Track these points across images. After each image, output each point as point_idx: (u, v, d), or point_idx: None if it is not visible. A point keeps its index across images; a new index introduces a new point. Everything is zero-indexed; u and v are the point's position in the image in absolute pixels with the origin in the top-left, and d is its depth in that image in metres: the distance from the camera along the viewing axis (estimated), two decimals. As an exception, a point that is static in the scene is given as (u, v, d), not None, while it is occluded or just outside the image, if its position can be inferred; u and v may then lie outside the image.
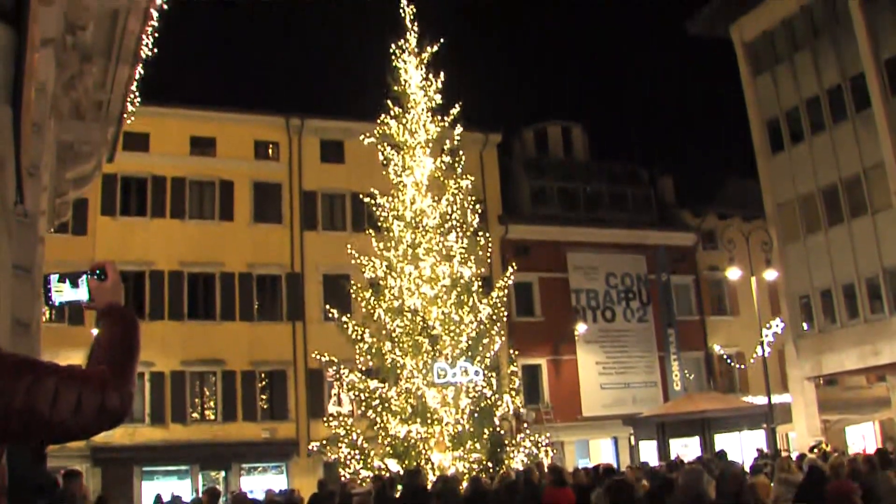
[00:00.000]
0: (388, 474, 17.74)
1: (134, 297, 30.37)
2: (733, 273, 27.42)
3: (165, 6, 9.14)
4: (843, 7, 30.41)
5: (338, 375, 20.32)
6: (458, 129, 21.76)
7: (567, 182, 41.35)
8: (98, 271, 2.70)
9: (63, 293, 2.73)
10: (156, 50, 9.97)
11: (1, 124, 4.36)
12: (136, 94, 10.74)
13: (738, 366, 40.59)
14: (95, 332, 2.63)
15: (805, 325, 32.17)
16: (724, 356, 40.68)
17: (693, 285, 41.05)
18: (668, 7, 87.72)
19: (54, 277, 2.76)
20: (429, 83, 22.01)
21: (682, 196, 43.91)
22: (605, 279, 39.26)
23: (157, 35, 9.66)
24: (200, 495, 20.89)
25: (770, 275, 27.73)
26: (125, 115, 11.07)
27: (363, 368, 20.43)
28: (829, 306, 31.18)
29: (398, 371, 19.81)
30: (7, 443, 2.21)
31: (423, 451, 19.19)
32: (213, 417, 31.68)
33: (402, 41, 22.34)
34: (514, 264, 23.35)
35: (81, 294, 2.70)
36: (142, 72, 10.26)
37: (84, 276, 2.71)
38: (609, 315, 39.06)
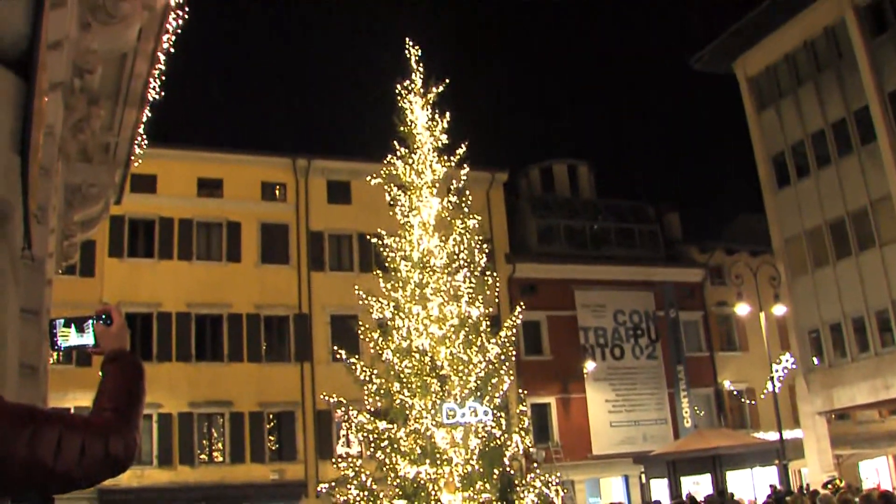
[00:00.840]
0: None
1: (141, 338, 30.34)
2: (742, 308, 27.28)
3: (172, 49, 9.17)
4: (845, 41, 30.57)
5: (346, 416, 20.14)
6: (465, 169, 21.79)
7: (573, 220, 41.35)
8: (103, 316, 2.69)
9: (69, 338, 2.71)
10: (163, 93, 9.99)
11: (9, 172, 4.34)
12: (144, 136, 10.76)
13: (748, 401, 40.26)
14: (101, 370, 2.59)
15: (815, 360, 31.94)
16: (735, 392, 40.37)
17: (701, 321, 40.86)
18: (672, 44, 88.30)
19: (60, 322, 2.74)
20: (435, 123, 22.05)
21: (689, 232, 43.91)
22: (613, 316, 39.10)
23: (164, 78, 9.69)
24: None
25: (779, 310, 27.57)
26: (133, 158, 11.08)
27: (371, 409, 20.25)
28: (840, 340, 30.98)
29: (407, 412, 19.63)
30: (11, 494, 2.15)
31: (433, 492, 18.96)
32: (221, 459, 31.45)
33: (408, 82, 22.41)
34: (521, 303, 23.26)
35: (87, 339, 2.69)
36: (149, 114, 10.28)
37: (90, 321, 2.70)
38: (618, 352, 38.84)
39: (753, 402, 39.96)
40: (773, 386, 27.01)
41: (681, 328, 39.16)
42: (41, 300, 6.55)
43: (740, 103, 35.33)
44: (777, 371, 31.39)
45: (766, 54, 33.85)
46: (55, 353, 2.86)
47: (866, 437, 36.32)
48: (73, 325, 2.71)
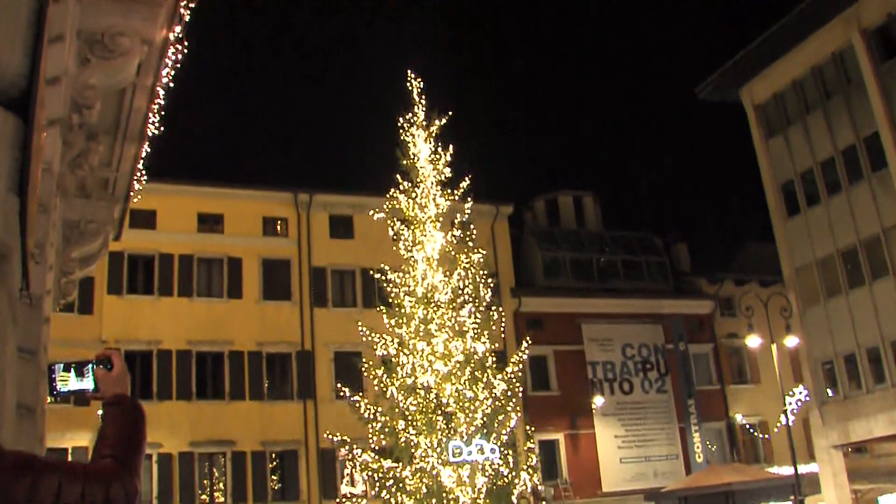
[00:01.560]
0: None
1: (141, 376, 30.26)
2: (753, 340, 27.13)
3: (172, 84, 9.21)
4: (853, 67, 30.67)
5: (350, 455, 20.10)
6: (469, 202, 21.89)
7: (580, 252, 41.33)
8: (104, 361, 2.68)
9: (68, 383, 2.71)
10: (162, 127, 10.03)
11: (7, 214, 4.33)
12: (143, 171, 10.78)
13: (761, 435, 39.98)
14: (101, 413, 2.57)
15: (830, 392, 31.72)
16: (747, 426, 40.10)
17: (712, 354, 40.70)
18: (677, 74, 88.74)
19: (59, 367, 2.73)
20: (438, 156, 22.21)
21: (698, 263, 43.81)
22: (621, 350, 38.96)
23: (163, 112, 9.72)
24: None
25: (791, 341, 27.43)
26: (132, 193, 11.10)
27: (376, 448, 20.21)
28: (854, 371, 30.77)
29: (412, 450, 19.57)
30: None
31: (440, 533, 18.82)
32: (222, 500, 31.21)
33: (410, 115, 22.60)
34: (528, 338, 23.21)
35: (87, 384, 2.68)
36: (148, 149, 10.30)
37: (90, 366, 2.70)
38: (626, 387, 38.65)
39: (767, 436, 39.68)
40: (787, 419, 26.82)
41: (691, 361, 39.01)
42: (39, 339, 6.52)
43: (748, 131, 35.41)
44: (790, 404, 31.20)
45: (773, 81, 33.97)
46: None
47: (885, 470, 35.93)
48: (72, 370, 2.70)
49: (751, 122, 35.15)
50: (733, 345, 40.51)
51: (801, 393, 34.51)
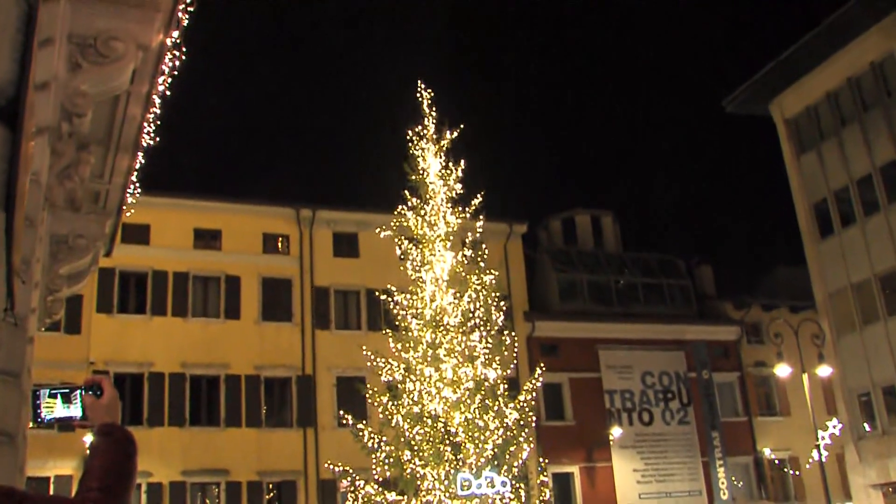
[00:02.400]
0: None
1: (131, 401, 30.23)
2: (782, 370, 26.91)
3: (168, 92, 9.21)
4: (894, 77, 30.50)
5: (352, 487, 20.01)
6: (481, 221, 21.89)
7: (597, 275, 41.25)
8: (93, 386, 2.64)
9: (54, 410, 2.68)
10: (158, 138, 10.03)
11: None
12: (137, 183, 10.78)
13: (791, 472, 39.69)
14: (88, 439, 2.54)
15: (867, 426, 31.44)
16: (776, 461, 39.83)
17: (738, 383, 40.48)
18: (703, 86, 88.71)
19: (45, 392, 2.70)
20: (448, 172, 22.24)
21: (723, 287, 43.72)
22: (640, 378, 38.79)
23: (159, 122, 9.73)
24: None
25: (824, 371, 27.19)
26: (124, 207, 11.09)
27: (380, 479, 20.14)
28: (894, 404, 30.51)
29: (418, 482, 19.50)
30: None
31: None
32: (215, 534, 31.15)
33: (420, 127, 22.65)
34: (542, 364, 23.17)
35: (74, 411, 2.65)
36: (143, 160, 10.30)
37: (78, 392, 2.66)
38: (646, 417, 38.46)
39: (797, 473, 39.38)
40: (820, 455, 26.56)
41: (715, 391, 38.80)
42: (22, 360, 6.48)
43: (777, 147, 35.29)
44: (823, 438, 30.88)
45: (806, 94, 33.81)
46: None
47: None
48: (59, 396, 2.67)
49: (781, 137, 35.03)
50: (761, 374, 40.31)
51: (834, 426, 34.20)
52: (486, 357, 20.57)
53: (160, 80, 8.74)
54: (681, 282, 42.71)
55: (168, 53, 8.38)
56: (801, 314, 34.20)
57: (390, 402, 20.28)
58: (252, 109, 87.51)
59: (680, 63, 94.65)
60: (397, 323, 21.20)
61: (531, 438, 21.59)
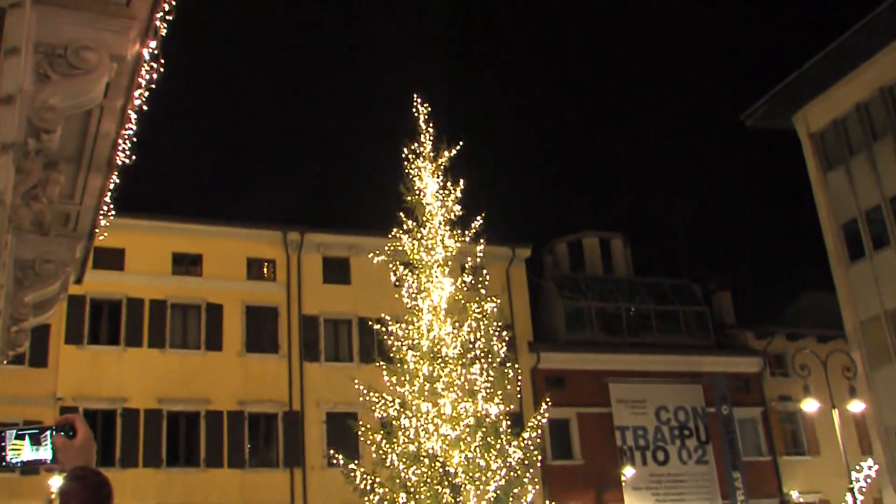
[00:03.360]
0: None
1: (103, 439, 30.03)
2: (810, 405, 26.76)
3: (145, 107, 9.20)
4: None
5: (343, 533, 19.90)
6: (481, 244, 21.89)
7: (607, 302, 41.23)
8: (65, 427, 2.59)
9: (21, 452, 2.64)
10: (134, 156, 10.01)
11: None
12: (110, 204, 10.75)
13: (821, 516, 39.46)
14: (57, 482, 2.49)
15: (906, 466, 31.22)
16: (804, 505, 39.63)
17: (761, 419, 40.35)
18: (719, 99, 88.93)
19: (11, 434, 2.66)
20: (447, 192, 22.27)
21: (743, 314, 43.68)
22: (654, 414, 38.69)
23: (135, 139, 9.71)
24: None
25: (856, 406, 27.06)
26: (97, 229, 11.06)
27: (373, 524, 20.02)
28: (937, 444, 30.32)
29: (414, 528, 19.38)
30: None
31: None
32: (195, 584, 30.94)
33: (416, 144, 22.68)
34: (548, 399, 23.07)
35: (44, 453, 2.61)
36: (117, 180, 10.28)
37: (48, 433, 2.61)
38: (661, 456, 38.33)
39: (827, 517, 39.14)
40: (854, 499, 26.37)
41: (736, 427, 38.62)
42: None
43: (802, 164, 35.18)
44: (857, 480, 30.68)
45: (833, 105, 33.62)
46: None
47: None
48: (27, 437, 2.62)
49: (806, 152, 34.92)
50: (786, 409, 40.17)
51: (870, 467, 33.96)
52: (488, 391, 20.52)
53: (136, 93, 8.73)
54: (697, 309, 42.66)
55: (144, 65, 8.37)
56: (830, 344, 34.07)
57: (384, 441, 20.21)
58: (236, 126, 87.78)
59: (695, 75, 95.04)
60: (392, 355, 21.17)
61: (536, 479, 21.50)
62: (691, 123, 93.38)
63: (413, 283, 21.45)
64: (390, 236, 22.08)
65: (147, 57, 8.24)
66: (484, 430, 20.17)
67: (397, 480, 19.97)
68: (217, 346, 33.14)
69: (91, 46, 7.08)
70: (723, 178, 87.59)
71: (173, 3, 7.83)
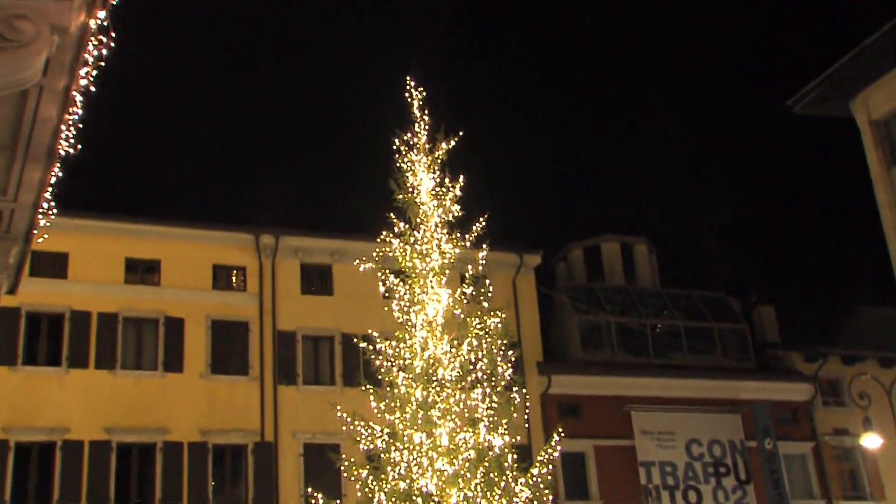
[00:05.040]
0: None
1: (39, 478, 29.96)
2: (871, 440, 26.64)
3: (93, 88, 9.15)
4: None
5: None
6: (484, 250, 21.87)
7: (629, 317, 41.24)
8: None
9: None
10: (80, 146, 9.97)
11: None
12: (52, 201, 10.70)
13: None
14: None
15: None
16: (865, 557, 39.65)
17: (811, 456, 40.30)
18: (762, 82, 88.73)
19: None
20: (444, 190, 22.24)
21: (790, 332, 43.58)
22: (685, 447, 38.65)
23: (81, 126, 9.66)
24: None
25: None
26: (35, 231, 11.01)
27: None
28: None
29: (405, 579, 19.36)
30: None
31: None
32: None
33: (409, 135, 22.66)
34: (560, 429, 23.02)
35: None
36: (60, 173, 10.23)
37: None
38: (693, 497, 38.32)
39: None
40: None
41: (782, 465, 38.53)
42: None
43: (860, 156, 35.03)
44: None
45: (900, 87, 33.46)
46: None
47: None
48: None
49: (866, 143, 34.71)
50: (842, 444, 40.10)
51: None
52: (491, 420, 20.46)
53: (82, 72, 8.69)
54: (735, 326, 42.64)
55: (92, 39, 8.32)
56: (895, 369, 34.03)
57: (371, 477, 20.17)
58: (201, 112, 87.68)
59: (732, 55, 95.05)
60: (380, 377, 21.11)
61: (548, 523, 21.44)
62: (727, 111, 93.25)
63: (405, 294, 21.40)
64: (379, 240, 22.03)
65: (95, 29, 8.19)
66: (486, 464, 20.11)
67: (386, 523, 19.93)
68: (177, 366, 33.06)
69: (27, 15, 7.03)
70: (765, 174, 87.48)
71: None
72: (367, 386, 21.27)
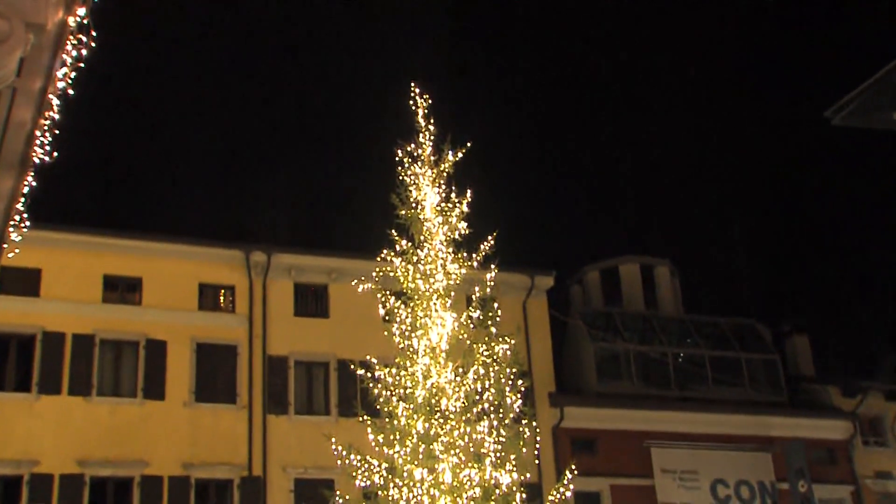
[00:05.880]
0: None
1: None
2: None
3: (71, 91, 9.17)
4: None
5: None
6: (492, 271, 21.87)
7: (650, 345, 41.21)
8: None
9: None
10: (56, 153, 9.99)
11: None
12: (24, 213, 10.72)
13: None
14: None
15: None
16: None
17: (851, 500, 40.19)
18: (795, 90, 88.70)
19: None
20: (450, 206, 22.24)
21: (826, 364, 43.54)
22: (710, 489, 38.58)
23: (58, 132, 9.69)
24: None
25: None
26: (5, 245, 11.03)
27: None
28: None
29: None
30: None
31: None
32: None
33: (413, 146, 22.68)
34: (574, 466, 22.97)
35: None
36: (34, 182, 10.25)
37: None
38: (719, 543, 38.24)
39: None
40: None
41: (817, 509, 38.47)
42: None
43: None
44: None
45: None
46: None
47: None
48: None
49: (914, 157, 34.84)
50: (885, 489, 40.00)
51: None
52: (498, 455, 20.44)
53: (60, 73, 8.71)
54: (765, 356, 42.57)
55: (71, 38, 8.34)
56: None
57: (367, 517, 20.14)
58: (189, 118, 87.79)
59: (764, 61, 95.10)
60: (379, 407, 21.09)
61: (560, 569, 21.40)
62: (758, 122, 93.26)
63: (407, 317, 21.39)
64: (379, 259, 22.04)
65: (74, 28, 8.21)
66: (493, 503, 20.10)
67: (384, 568, 19.92)
68: (158, 393, 32.98)
69: (1, 11, 7.05)
70: (798, 191, 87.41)
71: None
72: (365, 417, 21.26)
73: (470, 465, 20.20)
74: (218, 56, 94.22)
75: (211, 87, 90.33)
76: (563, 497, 21.40)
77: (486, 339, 21.22)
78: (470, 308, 21.61)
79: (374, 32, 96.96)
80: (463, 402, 20.68)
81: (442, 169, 22.51)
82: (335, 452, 21.00)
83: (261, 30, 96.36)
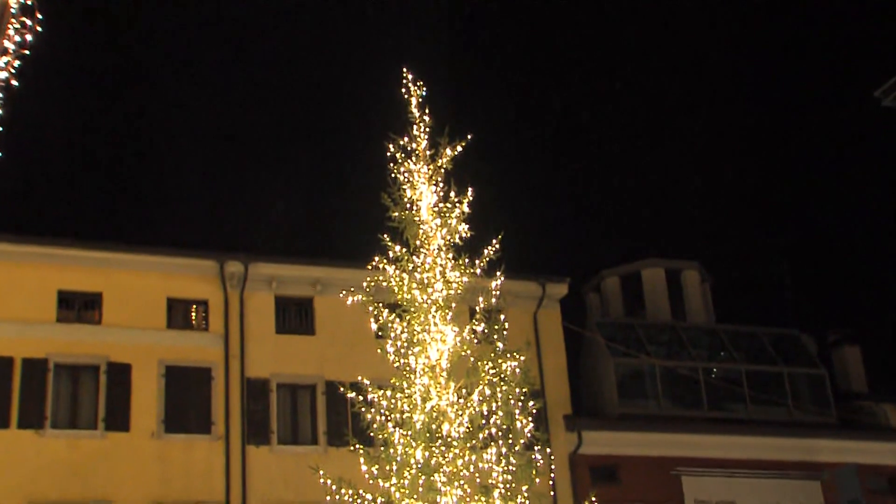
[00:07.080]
0: None
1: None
2: None
3: (15, 82, 9.16)
4: None
5: None
6: (499, 278, 21.85)
7: (678, 359, 41.21)
8: None
9: None
10: (1, 153, 10.00)
11: None
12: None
13: None
14: None
15: None
16: None
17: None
18: (840, 68, 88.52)
19: None
20: (450, 206, 22.22)
21: (880, 379, 43.52)
22: (749, 521, 38.60)
23: (3, 129, 9.69)
24: None
25: None
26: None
27: None
28: None
29: None
30: None
31: None
32: None
33: (406, 139, 22.67)
34: (593, 497, 23.01)
35: None
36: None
37: None
38: (760, 582, 38.25)
39: None
40: None
41: (872, 542, 38.48)
42: None
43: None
44: None
45: None
46: None
47: None
48: None
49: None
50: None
51: None
52: (508, 486, 20.43)
53: (1, 62, 8.70)
54: (811, 371, 42.55)
55: (13, 21, 8.34)
56: None
57: (361, 559, 20.15)
58: (154, 113, 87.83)
59: (802, 36, 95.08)
60: (372, 434, 21.08)
61: None
62: (797, 107, 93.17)
63: (402, 333, 21.37)
64: (370, 268, 22.01)
65: (17, 9, 8.21)
66: (504, 541, 20.14)
67: None
68: (122, 424, 32.94)
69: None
70: (844, 183, 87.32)
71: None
72: (357, 445, 21.24)
73: (476, 497, 20.19)
74: (190, 53, 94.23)
75: (186, 84, 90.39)
76: (582, 532, 21.44)
77: (493, 355, 21.15)
78: (473, 321, 21.55)
79: (365, 21, 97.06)
80: (467, 428, 20.66)
81: (439, 165, 22.47)
82: (324, 486, 20.98)
83: (239, 20, 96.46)
